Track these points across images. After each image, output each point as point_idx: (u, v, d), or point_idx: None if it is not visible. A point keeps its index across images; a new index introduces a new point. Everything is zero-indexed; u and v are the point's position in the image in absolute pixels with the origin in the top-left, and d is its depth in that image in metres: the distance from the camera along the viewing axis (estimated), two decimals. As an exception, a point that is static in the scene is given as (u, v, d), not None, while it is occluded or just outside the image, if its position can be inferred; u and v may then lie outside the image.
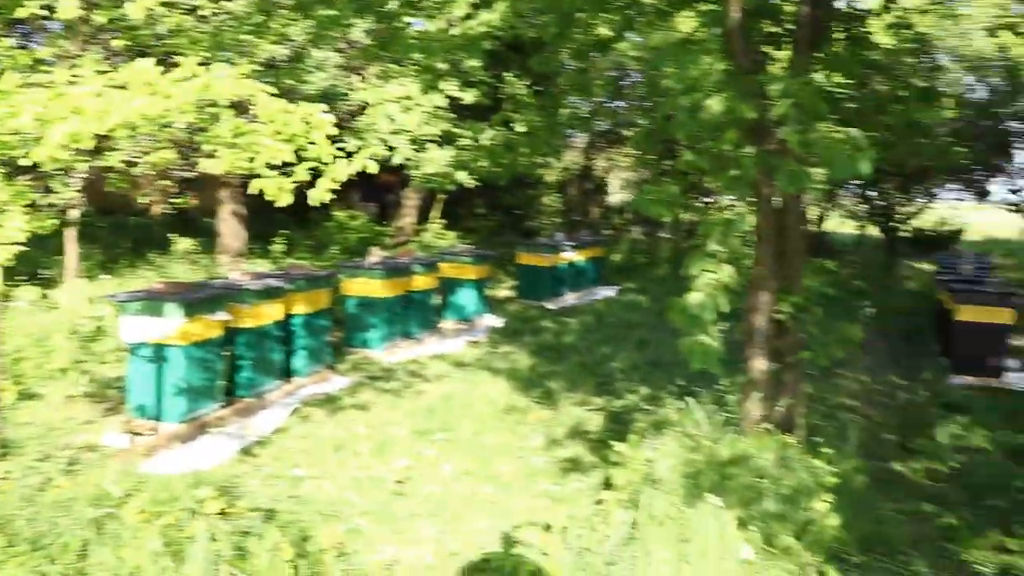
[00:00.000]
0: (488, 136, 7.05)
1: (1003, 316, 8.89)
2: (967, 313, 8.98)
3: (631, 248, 19.53)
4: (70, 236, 10.06)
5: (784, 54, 5.75)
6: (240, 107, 4.94)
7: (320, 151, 4.54)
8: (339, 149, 4.78)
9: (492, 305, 12.38)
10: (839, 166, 3.59)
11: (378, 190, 23.01)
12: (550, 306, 12.81)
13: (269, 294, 7.15)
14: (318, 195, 4.77)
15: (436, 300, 10.75)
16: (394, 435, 6.25)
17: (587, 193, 22.15)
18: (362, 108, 10.83)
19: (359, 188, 23.13)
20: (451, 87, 9.86)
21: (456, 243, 17.00)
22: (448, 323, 11.03)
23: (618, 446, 5.39)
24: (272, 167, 4.66)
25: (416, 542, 4.69)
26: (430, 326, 10.33)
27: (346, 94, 12.03)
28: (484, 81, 11.13)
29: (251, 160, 4.52)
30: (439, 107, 10.02)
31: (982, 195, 20.86)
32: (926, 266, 17.50)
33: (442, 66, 9.08)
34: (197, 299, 6.32)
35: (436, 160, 8.57)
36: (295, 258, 13.86)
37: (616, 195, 23.67)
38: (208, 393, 6.57)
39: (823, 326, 6.04)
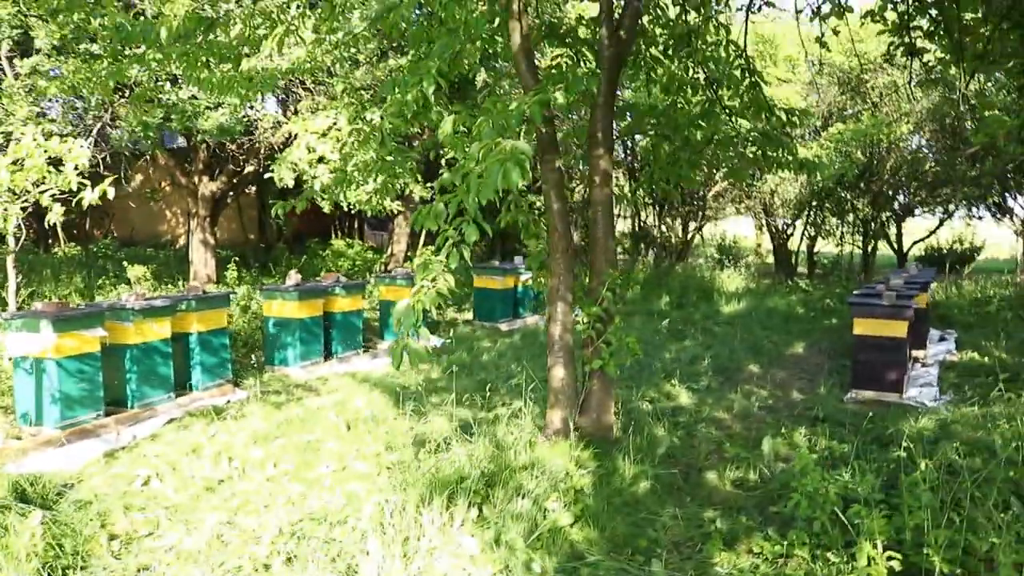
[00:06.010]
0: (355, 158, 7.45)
1: (898, 329, 8.93)
2: (862, 326, 9.06)
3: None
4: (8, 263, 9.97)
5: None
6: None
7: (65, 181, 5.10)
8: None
9: (442, 326, 12.81)
10: (490, 179, 3.92)
11: (386, 219, 23.74)
12: (504, 327, 13.18)
13: (153, 313, 7.72)
14: (52, 216, 5.44)
15: (362, 321, 11.22)
16: (239, 440, 6.69)
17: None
18: (288, 140, 11.49)
19: (370, 217, 23.93)
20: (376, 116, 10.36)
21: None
22: (387, 343, 11.53)
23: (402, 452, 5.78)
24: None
25: (198, 531, 5.12)
26: (357, 345, 10.83)
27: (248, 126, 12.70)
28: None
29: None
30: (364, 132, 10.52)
31: (1002, 212, 20.70)
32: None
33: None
34: (69, 317, 6.93)
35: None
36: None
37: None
38: (87, 402, 7.16)
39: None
